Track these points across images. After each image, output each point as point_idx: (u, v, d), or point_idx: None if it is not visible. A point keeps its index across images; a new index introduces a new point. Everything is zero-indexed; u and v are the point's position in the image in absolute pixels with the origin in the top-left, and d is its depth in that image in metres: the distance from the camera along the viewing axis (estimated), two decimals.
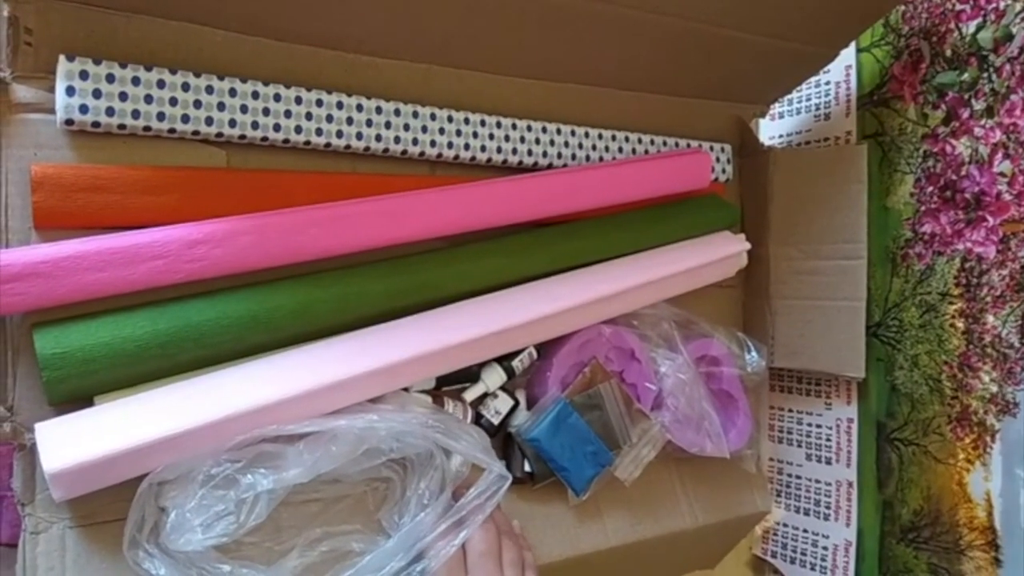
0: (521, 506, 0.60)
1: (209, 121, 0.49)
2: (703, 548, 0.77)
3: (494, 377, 0.59)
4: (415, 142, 0.57)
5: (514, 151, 0.62)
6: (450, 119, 0.59)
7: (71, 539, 0.43)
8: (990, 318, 0.66)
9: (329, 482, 0.50)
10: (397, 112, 0.56)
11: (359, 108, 0.54)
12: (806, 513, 0.80)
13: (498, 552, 0.50)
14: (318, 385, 0.47)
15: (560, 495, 0.61)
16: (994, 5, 0.65)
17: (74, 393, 0.43)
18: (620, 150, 0.69)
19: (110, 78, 0.45)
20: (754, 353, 0.73)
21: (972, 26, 0.67)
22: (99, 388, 0.44)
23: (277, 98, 0.51)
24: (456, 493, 0.51)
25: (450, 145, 0.59)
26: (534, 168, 0.64)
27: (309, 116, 0.52)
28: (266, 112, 0.51)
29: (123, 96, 0.46)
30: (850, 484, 0.76)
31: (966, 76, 0.68)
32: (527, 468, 0.59)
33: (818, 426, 0.79)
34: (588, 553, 0.62)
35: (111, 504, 0.44)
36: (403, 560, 0.47)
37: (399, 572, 0.47)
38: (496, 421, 0.59)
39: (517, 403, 0.61)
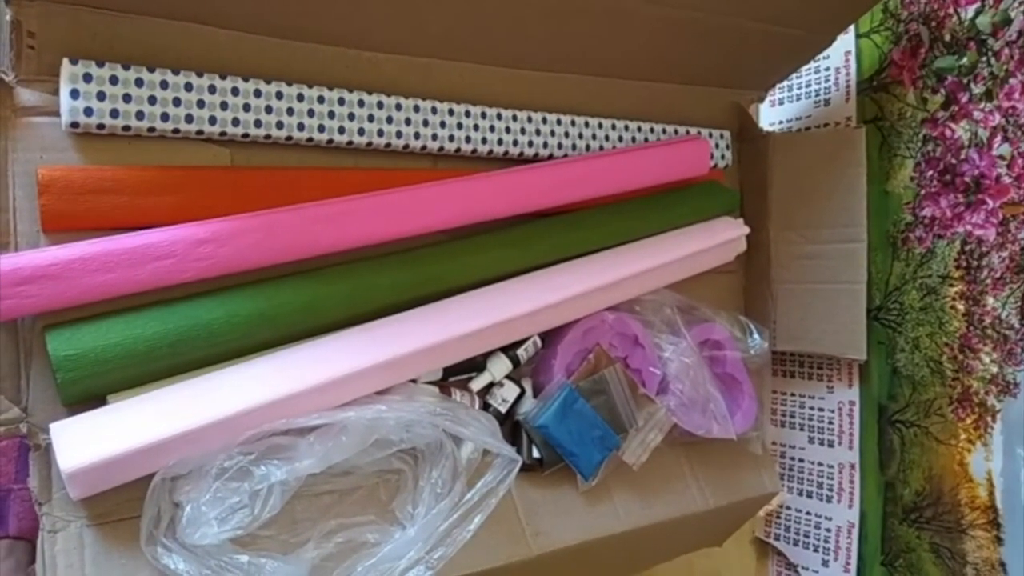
0: (532, 492, 0.60)
1: (212, 120, 0.49)
2: (712, 528, 0.78)
3: (500, 366, 0.60)
4: (417, 136, 0.57)
5: (515, 143, 0.62)
6: (451, 112, 0.59)
7: (89, 537, 0.44)
8: (990, 300, 0.66)
9: (341, 474, 0.51)
10: (398, 107, 0.56)
11: (360, 104, 0.55)
12: (809, 495, 0.80)
13: None
14: (327, 379, 0.47)
15: (570, 481, 0.62)
16: None
17: (87, 393, 0.44)
18: (620, 139, 0.69)
19: (114, 80, 0.45)
20: (756, 336, 0.74)
21: (971, 11, 0.67)
22: (112, 387, 0.44)
23: (279, 96, 0.51)
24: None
25: (451, 138, 0.59)
26: (535, 159, 0.64)
27: (311, 113, 0.52)
28: (269, 110, 0.51)
29: (127, 98, 0.46)
30: (852, 466, 0.77)
31: (965, 60, 0.68)
32: (536, 454, 0.60)
33: (820, 409, 0.80)
34: (602, 537, 0.62)
35: (127, 502, 0.45)
36: (422, 550, 0.48)
37: (418, 561, 0.48)
38: (503, 409, 0.60)
39: (523, 391, 0.61)
